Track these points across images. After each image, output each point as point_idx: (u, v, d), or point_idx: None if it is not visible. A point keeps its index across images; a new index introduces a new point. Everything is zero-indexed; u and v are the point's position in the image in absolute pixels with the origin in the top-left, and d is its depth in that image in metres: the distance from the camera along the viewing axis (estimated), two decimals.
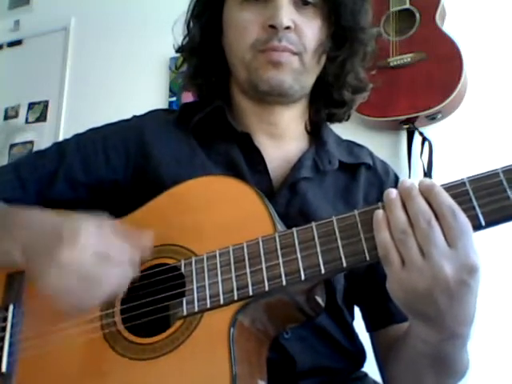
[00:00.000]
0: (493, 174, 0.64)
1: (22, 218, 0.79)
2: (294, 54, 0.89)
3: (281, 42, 0.87)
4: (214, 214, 0.77)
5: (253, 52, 0.90)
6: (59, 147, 0.97)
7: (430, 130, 1.88)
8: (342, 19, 0.92)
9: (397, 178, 1.03)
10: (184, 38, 1.02)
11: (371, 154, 1.04)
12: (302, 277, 0.68)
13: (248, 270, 0.70)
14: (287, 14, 0.88)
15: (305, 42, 0.90)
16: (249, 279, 0.70)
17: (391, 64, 1.86)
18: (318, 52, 0.92)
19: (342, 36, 0.94)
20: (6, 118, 2.72)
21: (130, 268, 0.71)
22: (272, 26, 0.87)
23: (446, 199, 0.62)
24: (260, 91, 0.91)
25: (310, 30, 0.90)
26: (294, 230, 0.71)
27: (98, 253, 0.68)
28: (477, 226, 0.63)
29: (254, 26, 0.89)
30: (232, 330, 0.68)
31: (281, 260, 0.69)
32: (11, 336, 0.79)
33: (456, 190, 0.64)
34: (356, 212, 0.68)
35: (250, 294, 0.69)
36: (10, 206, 0.87)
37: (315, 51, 0.91)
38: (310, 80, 0.94)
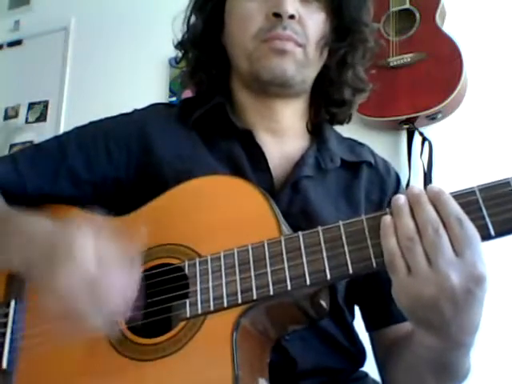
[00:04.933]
0: (504, 184, 0.63)
1: (22, 228, 0.78)
2: (299, 45, 0.88)
3: (285, 30, 0.87)
4: (219, 214, 0.77)
5: (256, 42, 0.89)
6: (59, 142, 0.95)
7: (430, 130, 1.88)
8: (345, 12, 0.93)
9: (398, 177, 1.03)
10: (184, 34, 1.01)
11: (372, 153, 1.04)
12: (308, 282, 0.67)
13: (253, 273, 0.70)
14: (292, 3, 0.87)
15: (308, 34, 0.89)
16: (253, 282, 0.69)
17: (391, 64, 1.86)
18: (320, 45, 0.92)
19: (344, 29, 0.94)
20: (6, 118, 2.71)
21: (128, 289, 0.68)
22: (276, 15, 0.87)
23: (454, 208, 0.62)
24: (262, 81, 0.90)
25: (313, 22, 0.90)
26: (300, 233, 0.70)
27: (92, 277, 0.66)
28: (486, 236, 0.62)
29: (257, 15, 0.89)
30: (235, 334, 0.68)
31: (286, 264, 0.69)
32: (12, 332, 0.79)
33: (465, 198, 0.63)
34: (363, 217, 0.68)
35: (255, 297, 0.69)
36: (9, 208, 0.87)
37: (318, 44, 0.91)
38: (311, 74, 0.94)
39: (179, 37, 1.02)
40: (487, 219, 0.62)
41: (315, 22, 0.91)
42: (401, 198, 0.65)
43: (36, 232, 0.75)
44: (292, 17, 0.87)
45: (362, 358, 0.94)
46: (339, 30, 0.94)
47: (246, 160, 0.91)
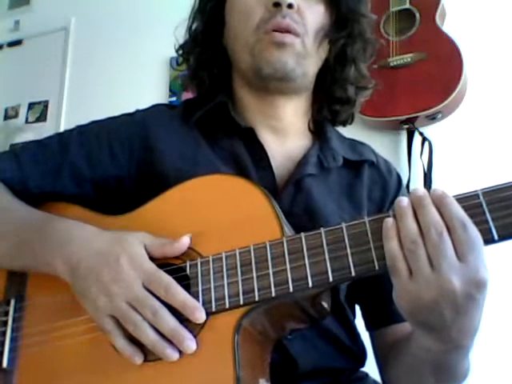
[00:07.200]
0: (508, 187, 0.62)
1: (61, 231, 0.79)
2: (297, 35, 0.89)
3: (284, 18, 0.88)
4: (221, 214, 0.76)
5: (257, 34, 0.90)
6: (62, 140, 0.95)
7: (430, 130, 1.88)
8: (342, 3, 0.94)
9: (399, 177, 1.03)
10: (186, 38, 1.03)
11: (374, 152, 1.04)
12: (310, 284, 0.66)
13: (254, 275, 0.69)
14: None
15: (307, 25, 0.91)
16: (255, 284, 0.69)
17: (391, 64, 1.86)
18: (319, 36, 0.93)
19: (342, 20, 0.95)
20: (6, 117, 2.71)
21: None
22: (276, 4, 0.88)
23: (458, 211, 0.61)
24: (263, 75, 0.91)
25: (312, 13, 0.92)
26: (303, 235, 0.69)
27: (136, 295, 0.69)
28: (489, 240, 0.61)
29: (257, 7, 0.91)
30: (236, 335, 0.67)
31: (288, 266, 0.68)
32: (13, 331, 0.79)
33: (469, 201, 0.62)
34: (366, 219, 0.67)
35: (256, 299, 0.68)
36: (41, 211, 0.87)
37: (317, 35, 0.92)
38: (312, 66, 0.94)
39: (181, 42, 1.03)
40: (491, 223, 0.61)
41: (314, 13, 0.92)
42: (404, 201, 0.64)
43: (80, 237, 0.77)
44: (290, 6, 0.89)
45: (363, 357, 0.94)
46: (338, 21, 0.95)
47: (249, 158, 0.91)
